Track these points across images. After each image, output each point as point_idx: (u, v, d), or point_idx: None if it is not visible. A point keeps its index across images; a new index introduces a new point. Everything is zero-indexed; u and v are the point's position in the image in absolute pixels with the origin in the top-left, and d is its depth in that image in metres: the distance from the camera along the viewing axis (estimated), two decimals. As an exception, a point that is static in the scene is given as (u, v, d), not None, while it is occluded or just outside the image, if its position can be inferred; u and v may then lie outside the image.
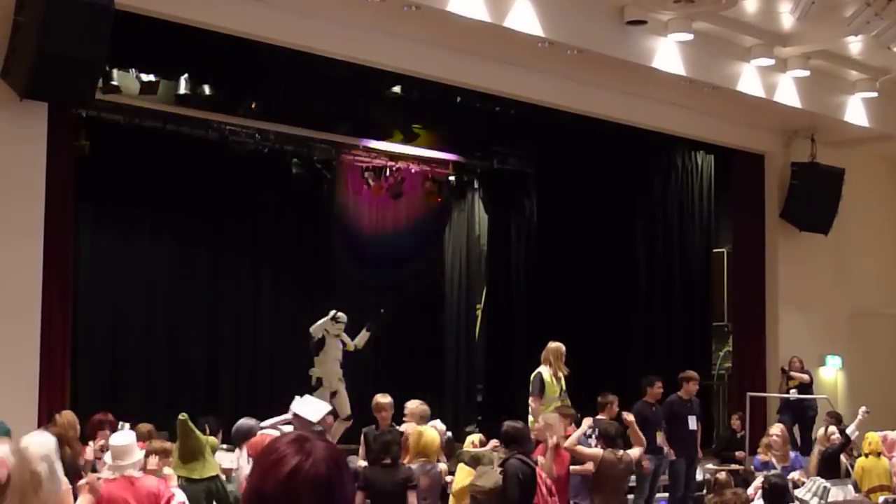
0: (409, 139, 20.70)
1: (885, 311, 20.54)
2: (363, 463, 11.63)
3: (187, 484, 9.06)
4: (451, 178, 22.46)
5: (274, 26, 13.65)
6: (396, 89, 17.41)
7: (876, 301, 20.43)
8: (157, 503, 8.49)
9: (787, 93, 18.00)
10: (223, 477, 9.53)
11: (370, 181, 20.83)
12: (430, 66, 15.27)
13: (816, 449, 14.32)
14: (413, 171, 21.33)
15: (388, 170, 20.99)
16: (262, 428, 10.92)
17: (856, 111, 19.12)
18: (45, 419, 11.68)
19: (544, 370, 13.95)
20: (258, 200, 19.64)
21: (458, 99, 17.60)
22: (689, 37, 15.91)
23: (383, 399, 12.79)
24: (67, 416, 10.51)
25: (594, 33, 15.36)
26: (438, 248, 22.98)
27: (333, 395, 15.83)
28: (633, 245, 21.33)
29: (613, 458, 12.18)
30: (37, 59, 11.84)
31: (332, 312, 16.39)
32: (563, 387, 13.97)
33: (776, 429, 14.33)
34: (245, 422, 11.34)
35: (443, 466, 11.32)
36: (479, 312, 23.14)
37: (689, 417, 15.22)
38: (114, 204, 18.22)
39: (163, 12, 12.88)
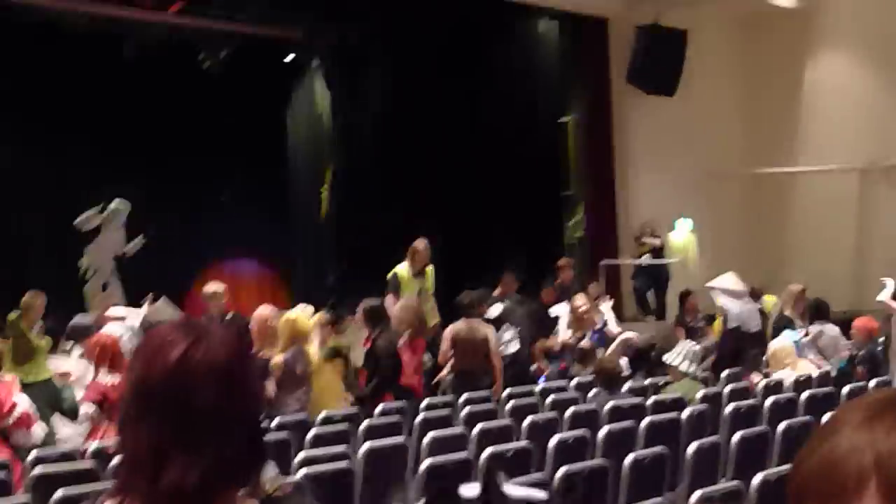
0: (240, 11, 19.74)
1: (734, 172, 20.52)
2: None
3: (24, 389, 8.45)
4: (291, 55, 21.70)
5: None
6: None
7: (725, 162, 20.36)
8: (-1, 412, 7.92)
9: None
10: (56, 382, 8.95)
11: (203, 63, 19.98)
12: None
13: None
14: (248, 49, 20.48)
15: (223, 49, 20.13)
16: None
17: (698, -30, 18.86)
18: None
19: (401, 267, 13.52)
20: (87, 85, 18.61)
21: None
22: None
23: (218, 287, 12.20)
24: None
25: None
26: (280, 129, 22.29)
27: (105, 286, 15.27)
28: (480, 119, 20.84)
29: (465, 326, 11.97)
30: None
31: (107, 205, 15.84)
32: (426, 286, 13.55)
33: (580, 299, 13.90)
34: (82, 318, 10.73)
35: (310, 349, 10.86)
36: (323, 194, 22.58)
37: None
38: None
39: None
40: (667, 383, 10.44)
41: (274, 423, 9.11)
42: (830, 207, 20.00)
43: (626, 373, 11.39)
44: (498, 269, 16.13)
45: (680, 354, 10.35)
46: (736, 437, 7.51)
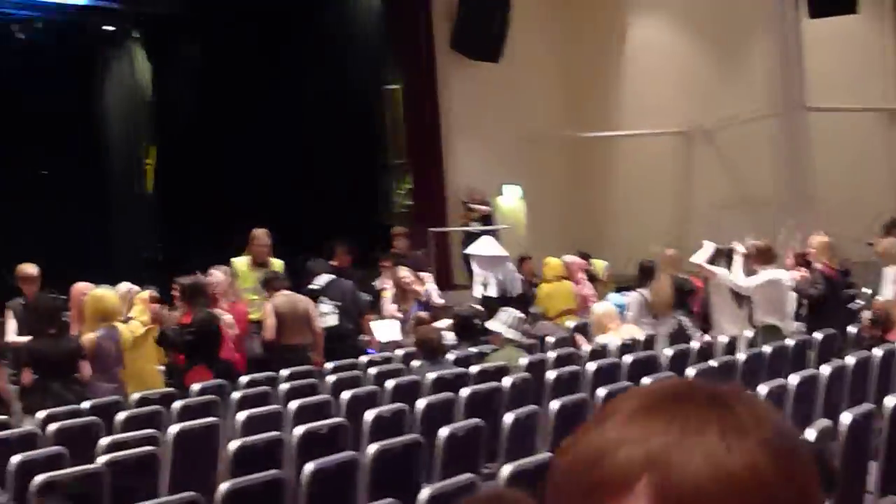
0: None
1: (559, 136, 20.54)
2: (19, 339, 10.59)
3: None
4: (107, 27, 20.99)
5: None
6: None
7: (550, 127, 20.35)
8: None
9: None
10: None
11: (17, 34, 19.24)
12: None
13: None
14: (61, 21, 19.76)
15: (36, 22, 19.40)
16: None
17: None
18: None
19: (239, 259, 13.00)
20: None
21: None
22: None
23: (32, 270, 11.77)
24: None
25: None
26: (98, 104, 21.60)
27: None
28: (304, 89, 20.40)
29: (285, 300, 11.82)
30: None
31: None
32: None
33: (404, 270, 13.69)
34: None
35: (122, 327, 10.48)
36: (148, 167, 21.99)
37: None
38: None
39: None
40: (494, 350, 10.30)
41: (86, 405, 8.75)
42: (652, 170, 20.21)
43: (452, 342, 11.25)
44: (332, 242, 15.93)
45: (503, 321, 10.23)
46: (555, 405, 7.38)
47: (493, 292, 13.58)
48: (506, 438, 6.94)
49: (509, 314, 10.33)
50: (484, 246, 14.23)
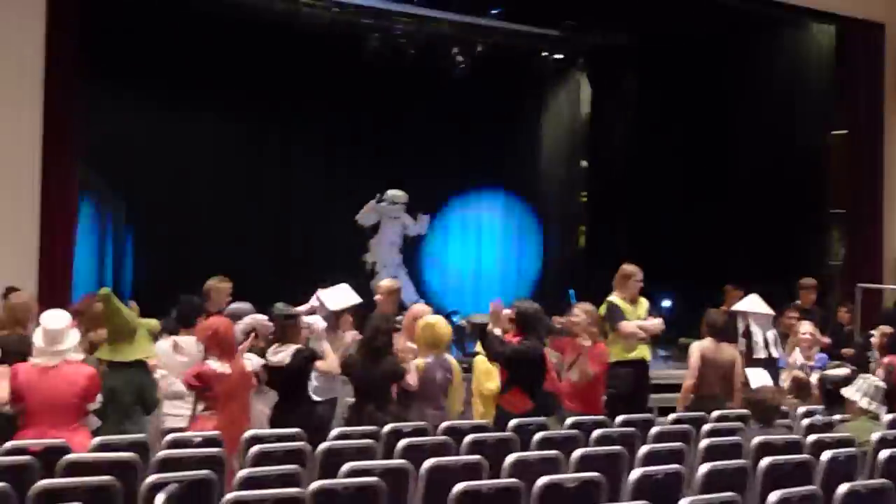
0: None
1: None
2: None
3: (110, 370, 8.11)
4: (548, 54, 20.97)
5: None
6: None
7: None
8: (77, 394, 7.72)
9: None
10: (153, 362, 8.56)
11: (458, 59, 19.51)
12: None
13: None
14: (505, 47, 19.86)
15: (478, 46, 19.60)
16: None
17: None
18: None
19: (616, 298, 12.08)
20: (327, 80, 18.30)
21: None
22: None
23: (393, 284, 11.71)
24: (22, 297, 9.56)
25: None
26: (535, 132, 21.66)
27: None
28: (737, 128, 19.57)
29: (711, 346, 11.28)
30: None
31: (383, 195, 15.57)
32: (643, 315, 12.37)
33: (806, 326, 12.57)
34: (239, 306, 10.39)
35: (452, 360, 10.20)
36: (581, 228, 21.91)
37: None
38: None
39: None
40: (843, 420, 9.23)
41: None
42: None
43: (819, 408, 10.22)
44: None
45: (860, 389, 9.14)
46: (841, 488, 6.35)
47: (761, 354, 12.23)
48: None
49: (869, 382, 9.22)
50: (757, 303, 12.81)
